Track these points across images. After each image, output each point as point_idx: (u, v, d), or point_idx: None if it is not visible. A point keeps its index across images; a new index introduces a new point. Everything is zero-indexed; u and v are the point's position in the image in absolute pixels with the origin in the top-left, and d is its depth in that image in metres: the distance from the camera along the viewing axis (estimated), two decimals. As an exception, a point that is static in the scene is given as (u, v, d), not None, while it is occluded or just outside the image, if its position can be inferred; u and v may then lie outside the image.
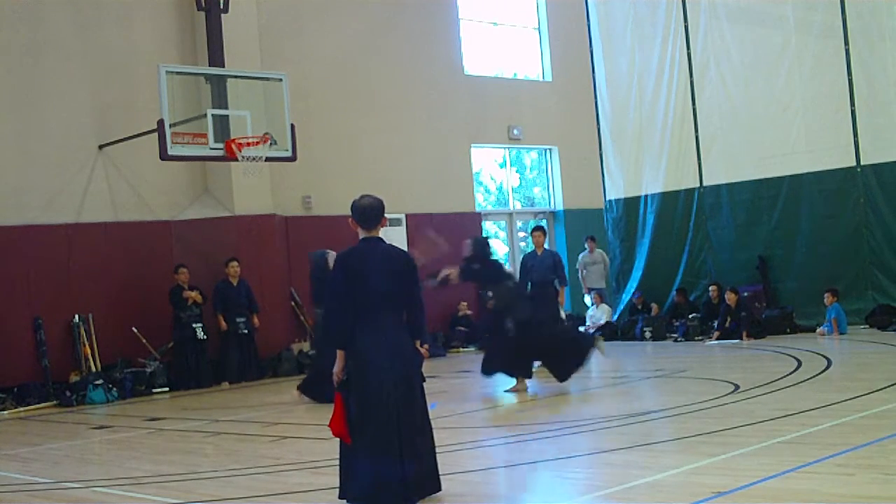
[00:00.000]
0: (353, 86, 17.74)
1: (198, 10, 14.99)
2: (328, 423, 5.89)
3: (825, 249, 15.83)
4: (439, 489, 5.93)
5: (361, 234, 6.06)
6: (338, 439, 5.87)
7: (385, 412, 5.76)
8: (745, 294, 16.01)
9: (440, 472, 6.03)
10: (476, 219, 19.55)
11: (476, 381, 12.95)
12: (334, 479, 6.05)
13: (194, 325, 14.48)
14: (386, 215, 6.20)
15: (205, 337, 14.54)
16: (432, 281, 10.99)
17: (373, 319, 5.87)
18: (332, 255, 11.55)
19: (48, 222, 14.35)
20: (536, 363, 13.41)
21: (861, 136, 15.45)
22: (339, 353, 5.91)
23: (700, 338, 15.66)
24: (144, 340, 14.53)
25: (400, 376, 5.85)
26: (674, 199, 17.69)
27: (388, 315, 5.92)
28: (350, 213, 6.08)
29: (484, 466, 6.96)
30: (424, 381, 6.05)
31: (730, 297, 15.29)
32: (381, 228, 6.12)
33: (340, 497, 5.88)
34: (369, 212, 6.04)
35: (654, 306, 17.29)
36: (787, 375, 10.27)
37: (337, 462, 5.96)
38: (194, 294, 14.56)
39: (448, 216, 18.69)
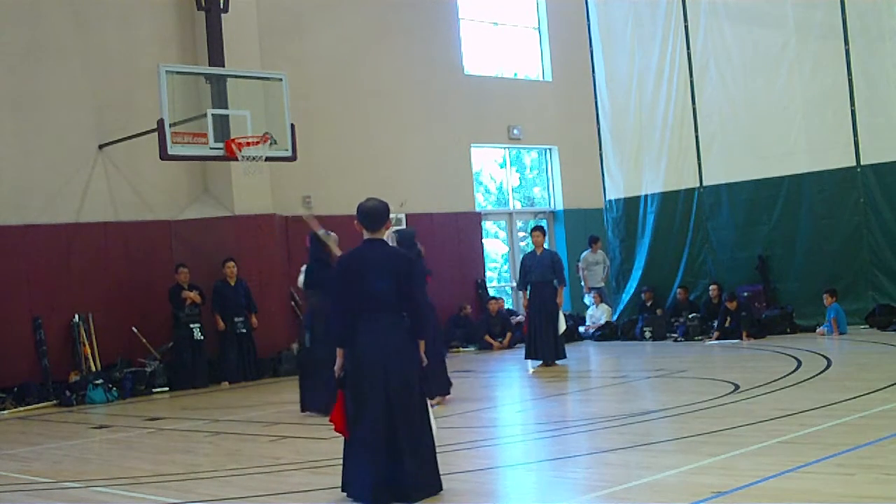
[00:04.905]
0: (353, 86, 17.74)
1: (198, 9, 14.98)
2: (329, 418, 6.02)
3: (825, 249, 15.82)
4: (440, 489, 5.95)
5: (366, 236, 6.18)
6: (338, 439, 5.92)
7: (376, 410, 5.83)
8: (745, 294, 16.01)
9: (441, 472, 6.05)
10: (476, 219, 19.56)
11: (476, 381, 12.96)
12: (334, 479, 6.06)
13: (192, 326, 14.47)
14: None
15: (202, 337, 14.52)
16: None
17: (372, 319, 5.96)
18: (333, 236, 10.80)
19: (48, 222, 14.34)
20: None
21: (861, 136, 15.44)
22: (339, 352, 6.02)
23: (700, 338, 15.65)
24: (144, 340, 14.53)
25: (395, 375, 5.91)
26: (674, 199, 17.68)
27: (388, 315, 6.00)
28: (356, 215, 6.19)
29: (484, 466, 6.96)
30: (425, 381, 6.11)
31: (730, 304, 15.27)
32: (386, 231, 6.22)
33: (343, 490, 5.96)
34: (373, 214, 6.14)
35: (658, 309, 17.25)
36: (787, 375, 10.27)
37: (336, 461, 5.99)
38: (193, 294, 14.56)
39: (448, 216, 18.71)
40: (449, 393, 10.60)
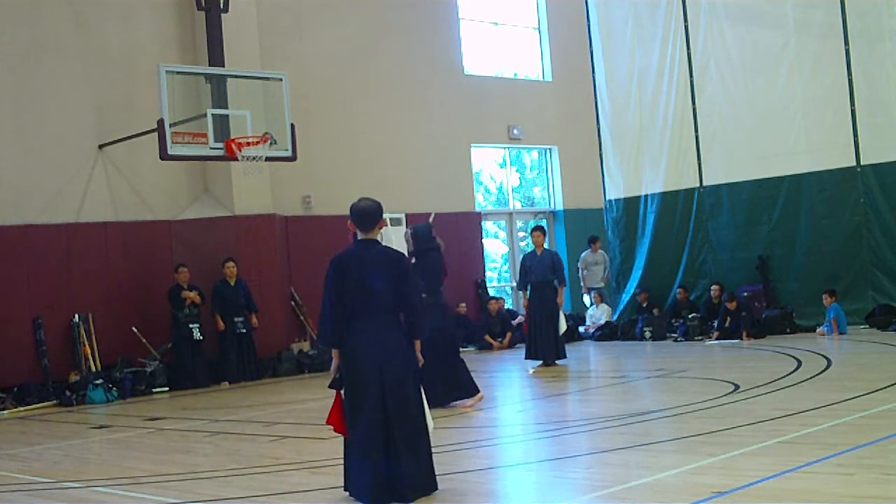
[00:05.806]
0: (353, 86, 17.74)
1: (198, 9, 14.98)
2: (326, 419, 6.02)
3: (825, 249, 15.81)
4: (435, 488, 5.96)
5: (359, 236, 6.17)
6: (338, 439, 5.92)
7: (371, 410, 5.84)
8: (745, 294, 16.02)
9: (439, 472, 6.06)
10: (476, 218, 19.56)
11: (476, 381, 12.95)
12: (334, 479, 6.06)
13: (191, 326, 14.46)
14: (386, 215, 6.27)
15: (201, 337, 14.51)
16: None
17: (367, 320, 5.97)
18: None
19: (48, 222, 14.34)
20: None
21: (861, 136, 15.44)
22: (334, 352, 6.04)
23: (700, 338, 15.65)
24: (144, 340, 14.53)
25: (390, 375, 5.92)
26: (674, 199, 17.68)
27: (382, 315, 6.01)
28: (349, 215, 6.17)
29: (484, 466, 6.96)
30: (421, 380, 6.11)
31: (730, 304, 15.27)
32: (380, 231, 6.20)
33: (345, 490, 5.98)
34: (367, 214, 6.12)
35: (655, 309, 17.24)
36: (787, 375, 10.27)
37: (336, 461, 6.00)
38: (192, 294, 14.55)
39: (448, 216, 18.69)
40: (479, 391, 10.26)
